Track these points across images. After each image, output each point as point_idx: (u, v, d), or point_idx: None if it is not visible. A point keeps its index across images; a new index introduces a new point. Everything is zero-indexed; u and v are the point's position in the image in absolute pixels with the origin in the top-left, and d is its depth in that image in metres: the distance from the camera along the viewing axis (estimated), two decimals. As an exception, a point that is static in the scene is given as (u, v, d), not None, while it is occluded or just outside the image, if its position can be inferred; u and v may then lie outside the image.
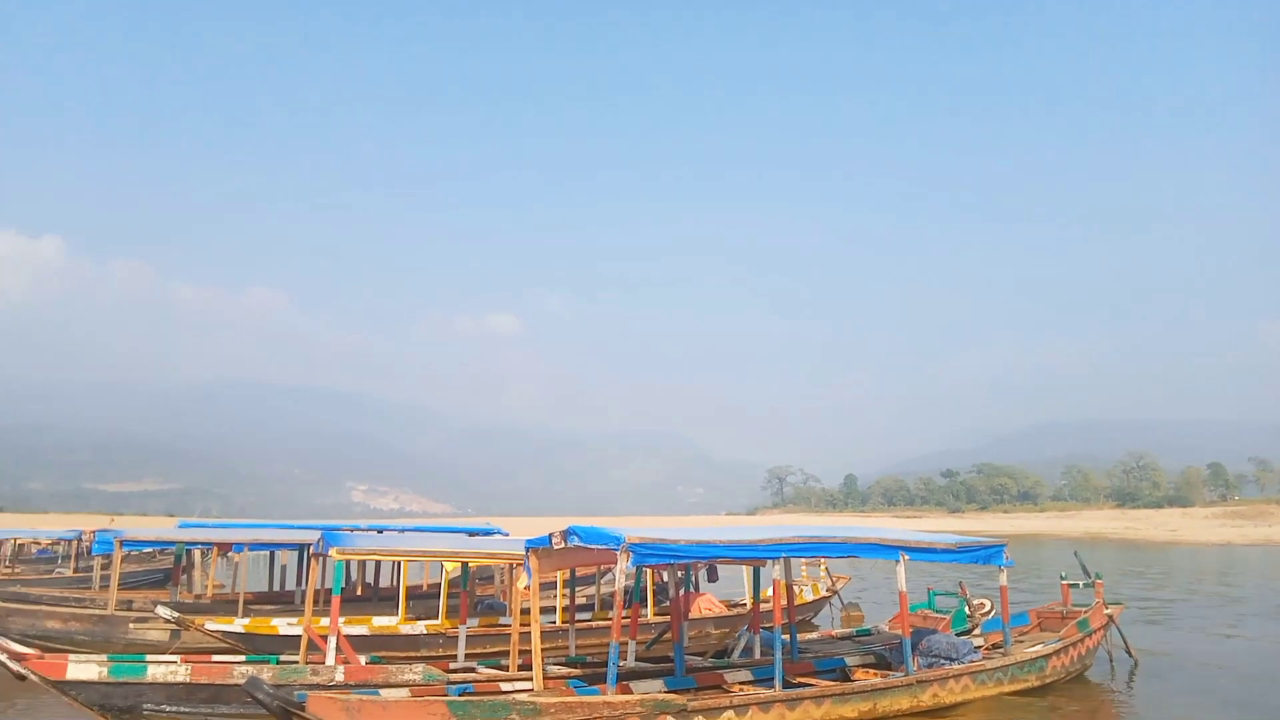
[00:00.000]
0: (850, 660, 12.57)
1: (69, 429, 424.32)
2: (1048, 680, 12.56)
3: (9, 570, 33.19)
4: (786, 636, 12.07)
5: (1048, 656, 12.59)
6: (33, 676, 9.57)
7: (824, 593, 21.42)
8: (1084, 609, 14.53)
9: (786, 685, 10.40)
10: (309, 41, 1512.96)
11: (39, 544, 41.32)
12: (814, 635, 15.52)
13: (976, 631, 14.85)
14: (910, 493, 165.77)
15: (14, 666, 9.53)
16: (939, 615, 16.00)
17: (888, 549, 11.34)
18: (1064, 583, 15.53)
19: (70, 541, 32.96)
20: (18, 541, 37.79)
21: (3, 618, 17.17)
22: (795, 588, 15.60)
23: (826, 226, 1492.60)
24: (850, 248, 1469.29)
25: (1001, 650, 12.59)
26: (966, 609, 15.92)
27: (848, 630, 16.13)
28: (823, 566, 22.04)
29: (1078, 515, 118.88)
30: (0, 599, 19.24)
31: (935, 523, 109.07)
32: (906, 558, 11.38)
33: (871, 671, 12.04)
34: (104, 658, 10.23)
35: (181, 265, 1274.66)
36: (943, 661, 11.88)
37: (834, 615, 21.39)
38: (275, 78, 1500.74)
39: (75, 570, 30.75)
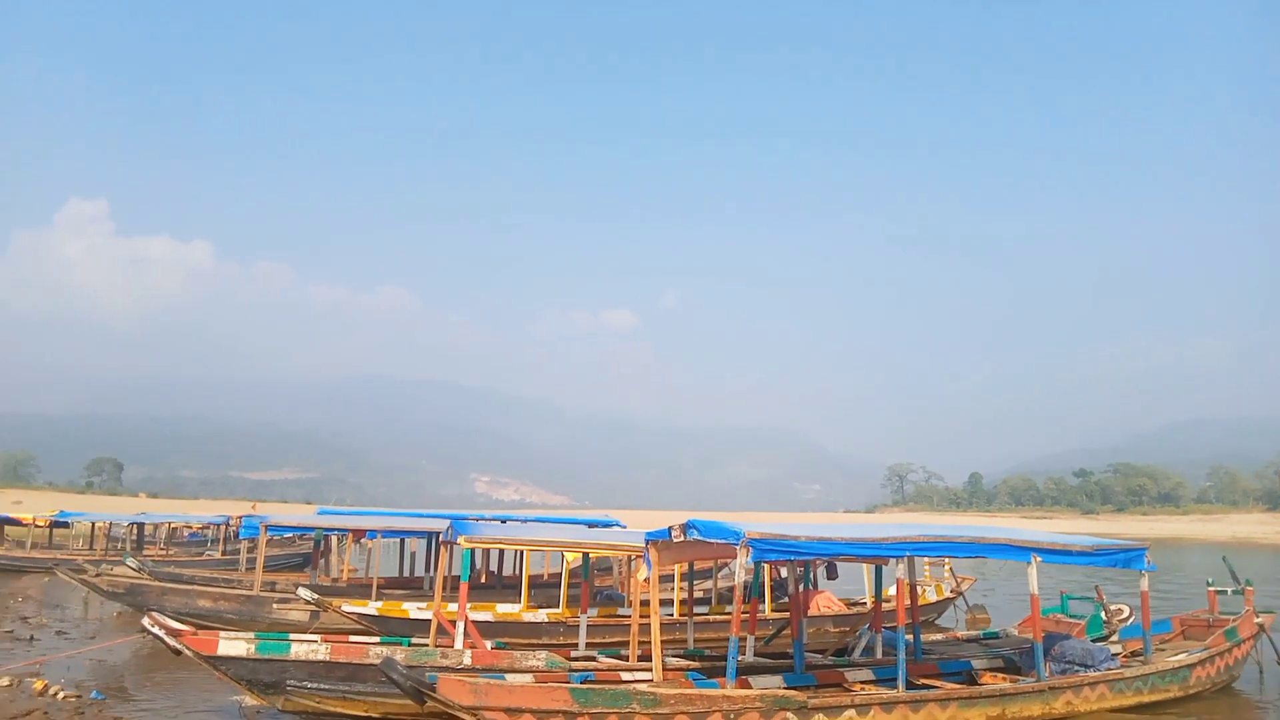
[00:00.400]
0: (977, 663, 12.20)
1: (217, 420, 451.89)
2: (1191, 691, 11.90)
3: (164, 552, 35.65)
4: (910, 637, 11.82)
5: (1192, 666, 11.93)
6: (187, 651, 10.25)
7: (948, 594, 20.85)
8: (1232, 617, 13.71)
9: (910, 686, 10.19)
10: (427, 78, 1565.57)
11: (190, 528, 44.22)
12: (938, 636, 15.15)
13: (1114, 638, 14.18)
14: (1040, 493, 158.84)
15: (171, 642, 10.24)
16: (1073, 620, 15.37)
17: (1019, 550, 10.93)
18: (1211, 589, 14.67)
19: (219, 526, 35.14)
20: (171, 525, 40.59)
21: (160, 596, 18.47)
22: (919, 588, 15.24)
23: (947, 220, 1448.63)
24: (973, 241, 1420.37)
25: (1141, 658, 12.01)
26: (1103, 614, 15.23)
27: (974, 633, 15.67)
28: (947, 566, 21.45)
29: (1224, 518, 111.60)
30: (157, 579, 20.69)
31: (1067, 524, 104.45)
32: (1039, 559, 10.95)
33: (1000, 676, 11.66)
34: (251, 635, 10.86)
35: (318, 266, 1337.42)
36: (1077, 668, 11.39)
37: (958, 617, 20.81)
38: (406, 109, 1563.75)
39: (223, 553, 32.76)
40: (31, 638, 16.46)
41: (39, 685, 11.47)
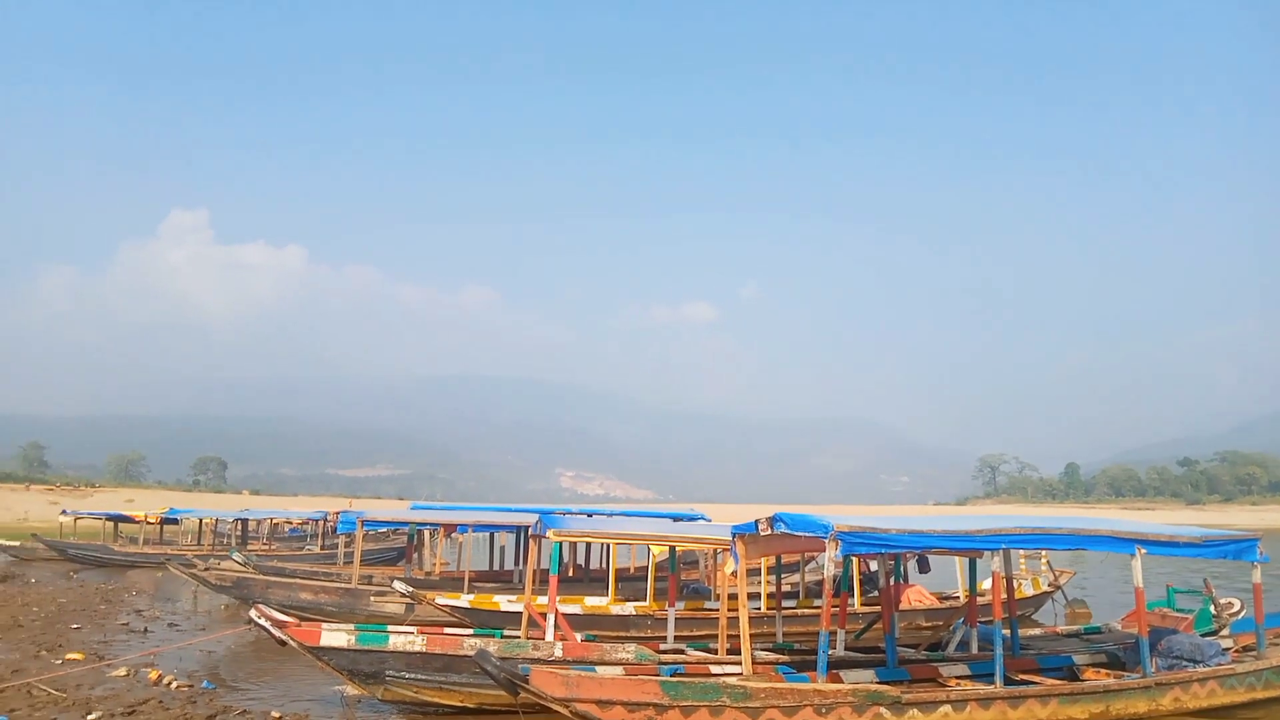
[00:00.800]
0: (1079, 658, 11.83)
1: (313, 420, 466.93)
2: (1309, 688, 11.31)
3: (266, 547, 37.08)
4: (1007, 631, 11.52)
5: None
6: (292, 642, 10.67)
7: (1045, 587, 20.26)
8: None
9: (1008, 682, 9.94)
10: (497, 85, 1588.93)
11: (291, 523, 45.92)
12: (1036, 631, 14.74)
13: (1224, 633, 13.58)
14: (1141, 483, 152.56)
15: (276, 633, 10.67)
16: (1180, 615, 14.77)
17: (1122, 542, 10.53)
18: (1330, 582, 13.94)
19: (317, 521, 36.37)
20: (273, 521, 42.20)
21: (264, 589, 19.20)
22: (1014, 581, 14.86)
23: (1038, 205, 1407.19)
24: (1065, 225, 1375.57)
25: (1254, 653, 11.47)
26: (1212, 608, 14.60)
27: (1074, 627, 15.19)
28: (1044, 559, 20.85)
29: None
30: (261, 573, 21.53)
31: (1170, 515, 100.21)
32: (1143, 551, 10.54)
33: (1103, 672, 11.28)
34: (351, 627, 11.24)
35: (405, 267, 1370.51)
36: (1185, 664, 10.93)
37: (1057, 612, 20.20)
38: (488, 109, 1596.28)
39: (322, 547, 33.91)
40: (146, 629, 17.29)
41: (154, 675, 12.06)
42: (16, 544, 37.91)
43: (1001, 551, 10.54)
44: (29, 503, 73.46)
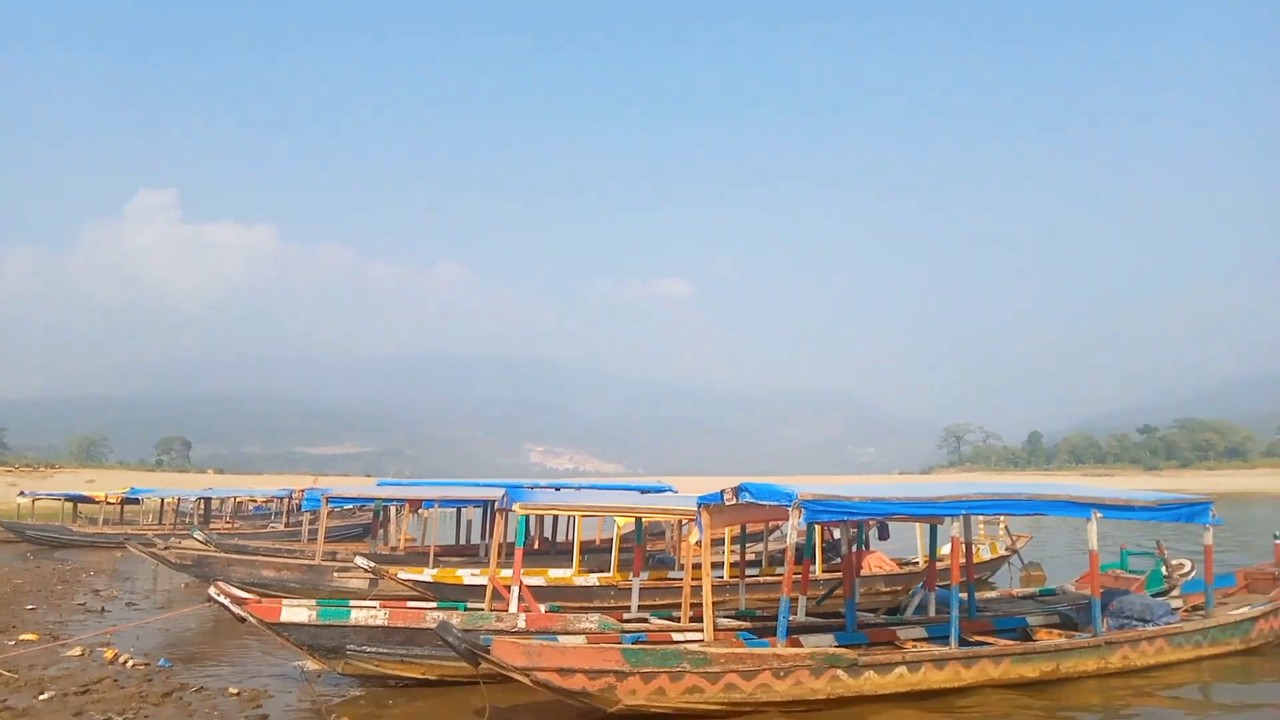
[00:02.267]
0: (1032, 620, 12.06)
1: (280, 398, 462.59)
2: (1253, 645, 11.64)
3: (230, 525, 36.74)
4: (964, 595, 11.71)
5: (1254, 619, 11.66)
6: (251, 619, 10.55)
7: (1003, 551, 20.61)
8: (1300, 570, 13.35)
9: (964, 643, 10.12)
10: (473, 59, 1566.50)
11: (255, 501, 45.48)
12: (993, 594, 15.00)
13: (1175, 593, 13.91)
14: (1102, 450, 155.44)
15: (235, 610, 10.55)
16: (1132, 576, 15.08)
17: (1078, 506, 10.72)
18: (1278, 542, 14.29)
19: (282, 499, 35.98)
20: (237, 500, 41.78)
21: (225, 567, 19.04)
22: (973, 546, 15.08)
23: (1000, 179, 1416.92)
24: (1028, 197, 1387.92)
25: (1202, 612, 11.77)
26: (1163, 569, 14.93)
27: (1029, 590, 15.48)
28: (1002, 525, 21.19)
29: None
30: (223, 550, 21.32)
31: (1129, 481, 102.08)
32: (1099, 515, 10.74)
33: (1055, 632, 11.52)
34: (313, 603, 11.14)
35: (377, 245, 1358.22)
36: (1135, 623, 11.22)
37: (1013, 575, 20.56)
38: (461, 84, 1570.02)
39: (286, 525, 33.63)
40: (103, 609, 17.06)
41: (109, 654, 11.91)
42: (-28, 527, 37.25)
43: (962, 517, 10.69)
44: (-13, 485, 72.16)
